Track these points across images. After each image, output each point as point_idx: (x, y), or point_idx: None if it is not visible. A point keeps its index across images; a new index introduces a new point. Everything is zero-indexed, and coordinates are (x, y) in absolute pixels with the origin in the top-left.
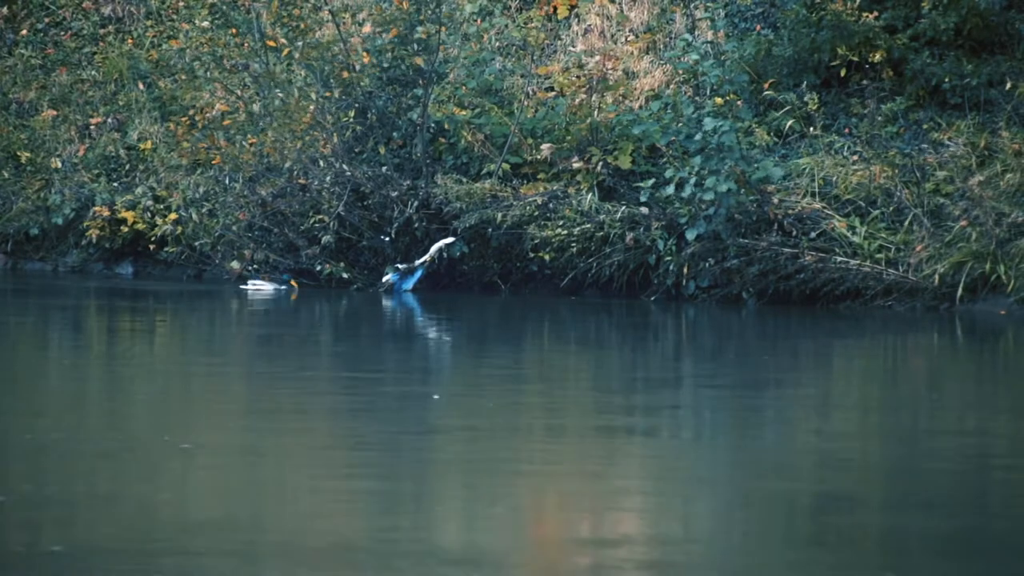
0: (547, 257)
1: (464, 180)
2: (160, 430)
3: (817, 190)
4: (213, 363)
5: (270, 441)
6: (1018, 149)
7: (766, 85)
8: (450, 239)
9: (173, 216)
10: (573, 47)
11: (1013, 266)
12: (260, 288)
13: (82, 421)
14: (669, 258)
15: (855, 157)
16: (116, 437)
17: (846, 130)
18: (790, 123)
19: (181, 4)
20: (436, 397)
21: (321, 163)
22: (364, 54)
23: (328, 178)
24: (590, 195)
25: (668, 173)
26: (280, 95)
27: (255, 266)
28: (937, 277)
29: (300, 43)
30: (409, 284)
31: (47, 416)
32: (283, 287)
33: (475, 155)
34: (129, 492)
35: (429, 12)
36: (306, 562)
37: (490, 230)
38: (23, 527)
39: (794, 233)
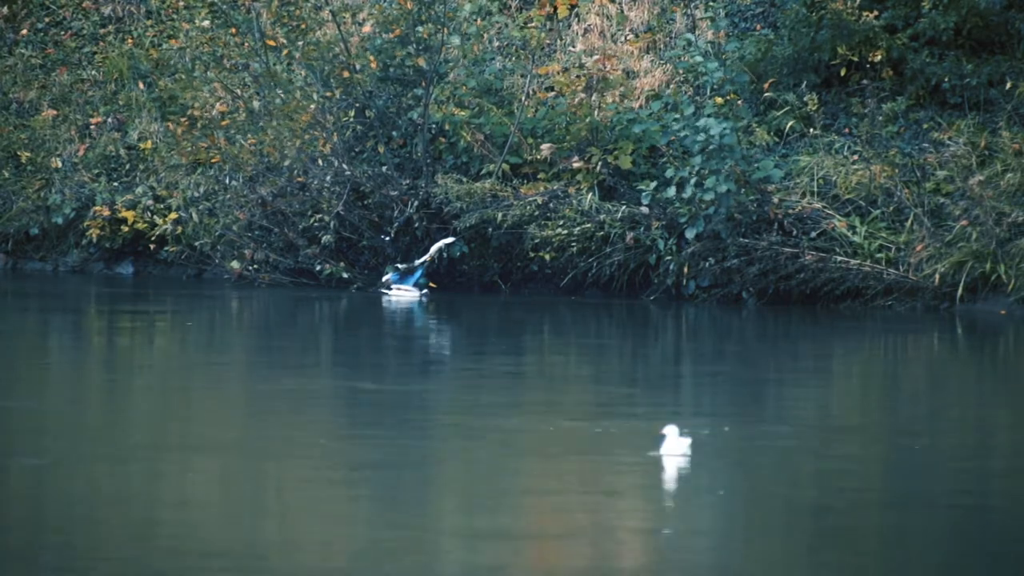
0: (547, 257)
1: (464, 180)
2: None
3: (817, 190)
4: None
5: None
6: (1018, 149)
7: (766, 85)
8: (450, 239)
9: (173, 216)
10: (573, 47)
11: (1013, 266)
12: (400, 293)
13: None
14: (669, 258)
15: (855, 157)
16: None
17: (846, 130)
18: (790, 123)
19: (181, 4)
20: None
21: (321, 162)
22: (371, 58)
23: (328, 177)
24: (590, 195)
25: (668, 173)
26: (280, 94)
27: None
28: (937, 277)
29: (300, 43)
30: (409, 283)
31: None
32: (424, 291)
33: (475, 155)
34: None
35: (431, 12)
36: None
37: (490, 230)
38: (22, 527)
39: (794, 233)
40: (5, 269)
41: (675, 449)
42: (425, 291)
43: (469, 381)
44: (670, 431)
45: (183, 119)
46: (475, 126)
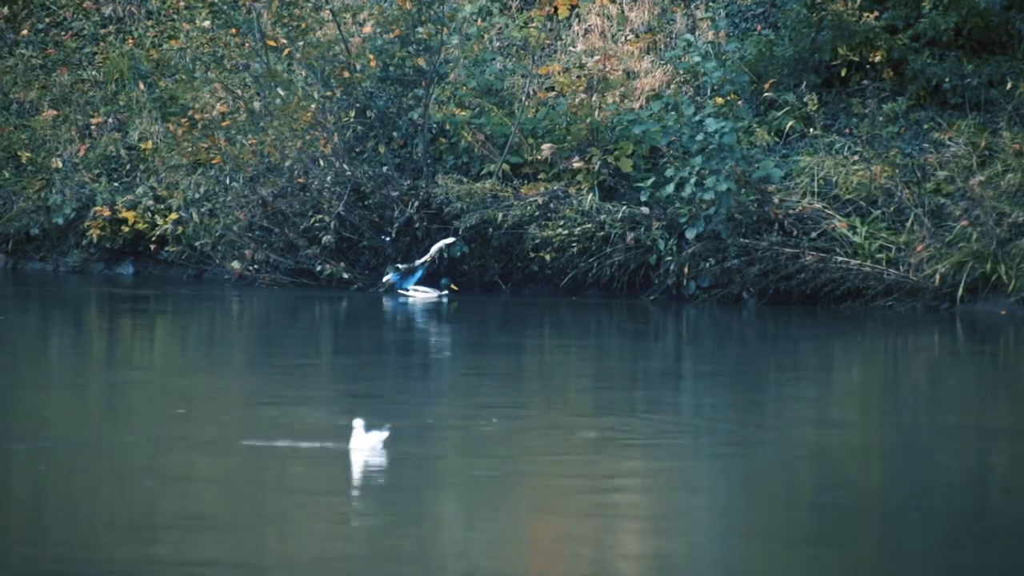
0: (548, 257)
1: (465, 180)
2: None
3: (817, 190)
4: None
5: None
6: (1019, 149)
7: (767, 85)
8: (451, 239)
9: (174, 216)
10: (573, 47)
11: (1014, 266)
12: (419, 294)
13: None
14: (670, 258)
15: (856, 157)
16: None
17: (847, 130)
18: (790, 123)
19: (182, 4)
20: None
21: (321, 163)
22: (371, 58)
23: (329, 178)
24: (591, 195)
25: (668, 172)
26: (281, 94)
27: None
28: (938, 277)
29: (300, 43)
30: (410, 284)
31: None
32: (444, 292)
33: (476, 155)
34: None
35: (431, 12)
36: None
37: (491, 230)
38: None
39: (795, 233)
40: (5, 269)
41: (362, 443)
42: (446, 292)
43: (470, 382)
44: (357, 424)
45: (183, 119)
46: (476, 126)
